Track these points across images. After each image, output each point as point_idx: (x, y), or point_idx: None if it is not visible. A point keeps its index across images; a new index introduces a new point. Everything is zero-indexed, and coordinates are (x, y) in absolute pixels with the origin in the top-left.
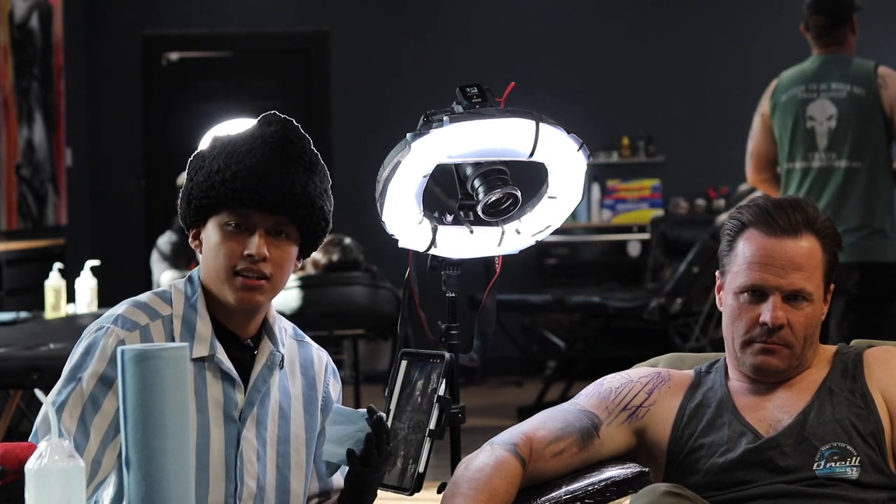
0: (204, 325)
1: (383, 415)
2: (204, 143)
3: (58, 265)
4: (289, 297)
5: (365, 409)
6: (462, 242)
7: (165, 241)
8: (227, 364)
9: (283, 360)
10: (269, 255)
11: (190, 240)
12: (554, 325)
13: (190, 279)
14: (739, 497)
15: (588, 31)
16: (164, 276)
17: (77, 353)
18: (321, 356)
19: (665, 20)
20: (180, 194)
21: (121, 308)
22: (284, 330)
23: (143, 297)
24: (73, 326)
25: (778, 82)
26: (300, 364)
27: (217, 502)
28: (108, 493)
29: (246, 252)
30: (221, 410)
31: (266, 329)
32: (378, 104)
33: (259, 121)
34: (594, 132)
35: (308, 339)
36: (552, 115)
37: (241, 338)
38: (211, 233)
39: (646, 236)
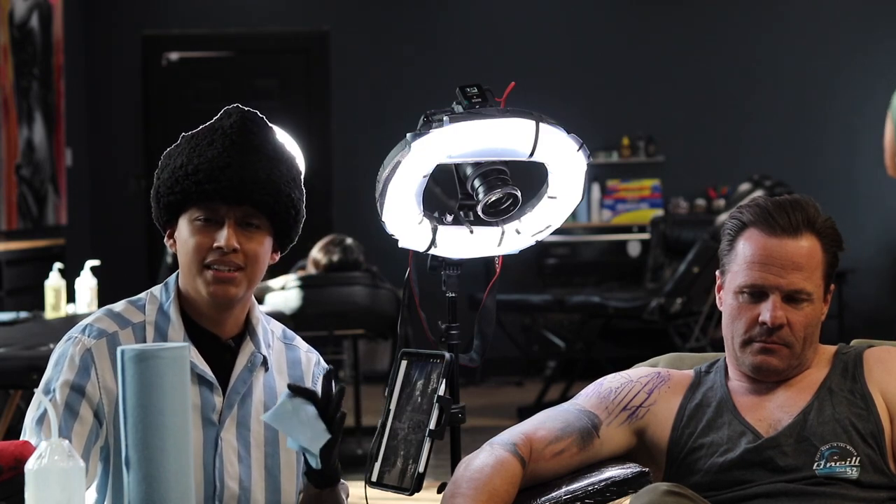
0: (175, 331)
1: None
2: None
3: (58, 265)
4: (289, 297)
5: (285, 393)
6: (462, 242)
7: None
8: (201, 367)
9: (266, 361)
10: (241, 247)
11: (165, 239)
12: (554, 325)
13: (166, 284)
14: (739, 496)
15: (588, 31)
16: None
17: (49, 365)
18: (310, 357)
19: (666, 21)
20: (150, 194)
21: (92, 317)
22: (272, 332)
23: (118, 305)
24: (72, 326)
25: None
26: (287, 365)
27: None
28: (91, 494)
29: (215, 245)
30: (199, 414)
31: (249, 329)
32: (378, 104)
33: (220, 114)
34: (594, 132)
35: (298, 341)
36: (552, 115)
37: (221, 339)
38: (182, 230)
39: (646, 236)
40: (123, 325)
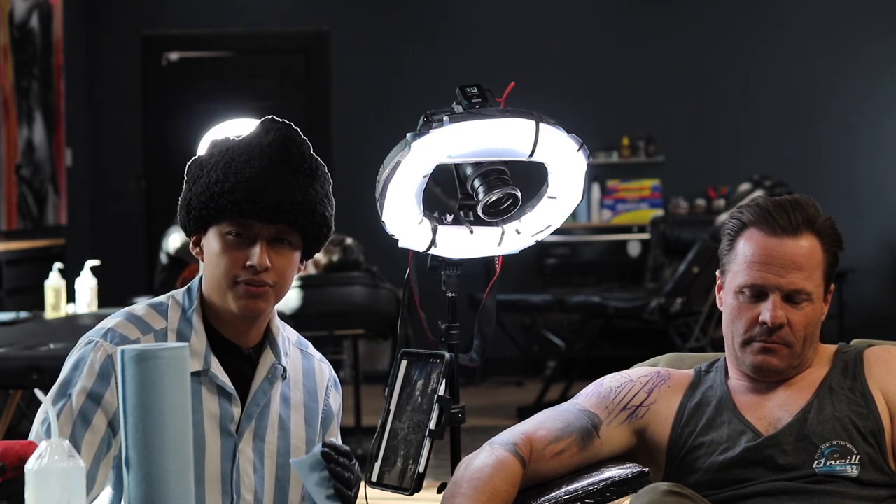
0: (198, 339)
1: (329, 446)
2: (202, 148)
3: (58, 265)
4: (289, 297)
5: (318, 451)
6: (462, 242)
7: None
8: (222, 378)
9: (285, 372)
10: (272, 264)
11: (191, 246)
12: (554, 325)
13: (189, 290)
14: (739, 495)
15: (588, 31)
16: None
17: (67, 366)
18: (323, 368)
19: (665, 20)
20: (179, 201)
21: (113, 321)
22: (288, 339)
23: (139, 308)
24: (73, 326)
25: None
26: (302, 374)
27: None
28: (103, 501)
29: (248, 263)
30: (217, 424)
31: (269, 339)
32: (378, 104)
33: (258, 127)
34: (594, 132)
35: (312, 349)
36: (552, 115)
37: (242, 349)
38: (212, 241)
39: (646, 236)
40: (146, 331)
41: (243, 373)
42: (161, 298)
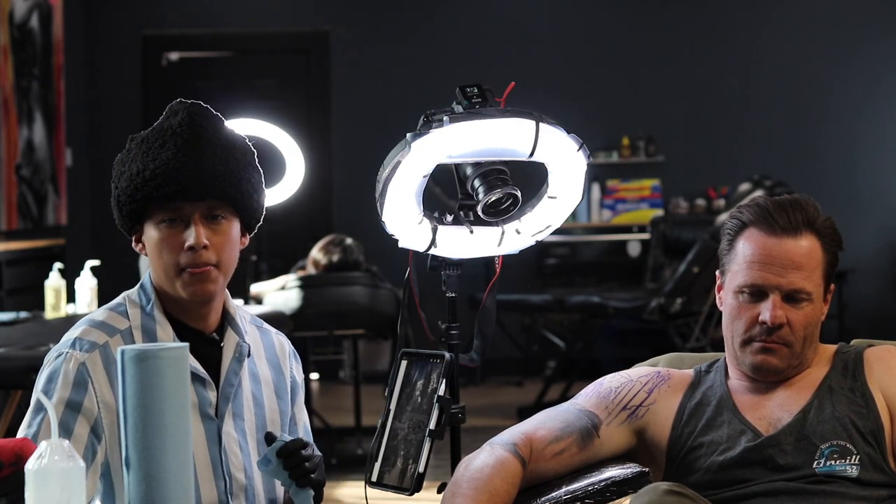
0: (164, 332)
1: (279, 440)
2: None
3: (58, 265)
4: (289, 297)
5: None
6: (462, 242)
7: None
8: (193, 365)
9: (249, 349)
10: (210, 242)
11: (133, 244)
12: (554, 325)
13: (142, 286)
14: (739, 495)
15: (588, 31)
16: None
17: (41, 381)
18: (282, 341)
19: (666, 20)
20: (111, 203)
21: (77, 330)
22: (244, 318)
23: (98, 314)
24: (72, 326)
25: None
26: (264, 350)
27: (212, 502)
28: None
29: (186, 245)
30: (197, 410)
31: (228, 320)
32: (378, 104)
33: (165, 112)
34: (594, 132)
35: (266, 325)
36: (552, 115)
37: (205, 333)
38: (150, 234)
39: (646, 236)
40: (112, 333)
41: (211, 356)
42: (117, 300)
